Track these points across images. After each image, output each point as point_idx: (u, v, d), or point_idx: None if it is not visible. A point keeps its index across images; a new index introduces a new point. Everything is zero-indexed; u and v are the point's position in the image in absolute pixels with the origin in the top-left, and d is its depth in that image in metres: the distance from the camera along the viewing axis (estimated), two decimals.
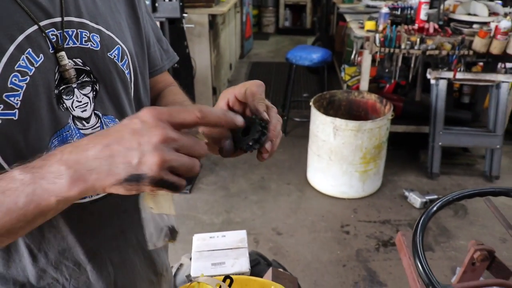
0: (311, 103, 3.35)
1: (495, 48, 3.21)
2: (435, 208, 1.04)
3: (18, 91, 0.69)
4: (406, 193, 3.35)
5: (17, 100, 0.69)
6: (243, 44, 6.82)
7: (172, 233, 0.78)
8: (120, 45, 0.85)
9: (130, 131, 0.57)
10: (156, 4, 2.74)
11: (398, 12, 3.85)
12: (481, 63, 4.00)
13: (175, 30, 2.95)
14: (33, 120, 0.72)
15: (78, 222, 0.84)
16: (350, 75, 4.62)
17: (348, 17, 4.19)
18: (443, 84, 3.45)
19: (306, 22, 8.39)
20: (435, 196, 3.33)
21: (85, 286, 0.88)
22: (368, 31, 3.51)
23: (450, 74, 3.43)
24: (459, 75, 3.43)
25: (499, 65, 3.79)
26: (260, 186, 3.51)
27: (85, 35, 0.79)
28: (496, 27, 3.16)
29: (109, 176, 0.57)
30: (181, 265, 1.86)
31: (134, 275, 0.97)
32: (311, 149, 3.42)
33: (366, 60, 3.51)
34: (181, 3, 2.80)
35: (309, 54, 4.19)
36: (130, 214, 0.93)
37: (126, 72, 0.87)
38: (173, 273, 1.87)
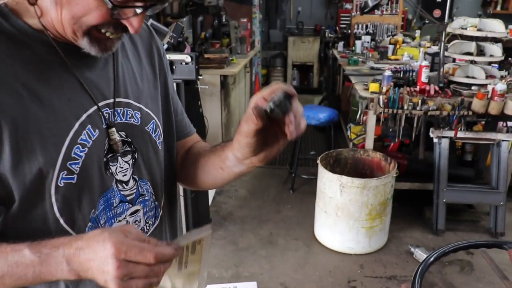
0: (318, 161, 3.48)
1: (493, 109, 3.36)
2: (432, 259, 1.15)
3: (78, 160, 0.85)
4: (412, 249, 3.41)
5: (77, 167, 0.85)
6: None
7: None
8: (155, 120, 1.02)
9: (100, 261, 0.73)
10: (174, 67, 2.95)
11: (401, 75, 4.05)
12: (482, 122, 4.16)
13: (190, 91, 3.14)
14: (87, 184, 0.88)
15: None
16: (356, 134, 4.78)
17: (353, 79, 4.40)
18: (445, 142, 3.59)
19: (313, 81, 8.68)
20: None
21: None
22: (372, 92, 3.69)
23: (451, 133, 3.57)
24: (460, 134, 3.57)
25: (501, 123, 3.94)
26: (269, 241, 3.59)
27: (129, 112, 0.96)
28: (493, 89, 3.34)
29: (93, 279, 0.75)
30: None
31: None
32: (318, 206, 3.53)
33: (371, 120, 3.67)
34: (197, 66, 3.01)
35: (316, 114, 4.37)
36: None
37: (158, 142, 1.04)
38: None
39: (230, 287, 1.77)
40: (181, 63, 3.05)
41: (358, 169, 3.73)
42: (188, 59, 3.08)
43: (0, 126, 0.77)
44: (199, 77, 3.29)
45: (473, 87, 3.58)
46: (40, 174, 0.81)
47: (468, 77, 3.67)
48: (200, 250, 0.87)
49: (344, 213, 3.29)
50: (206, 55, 4.68)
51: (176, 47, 3.36)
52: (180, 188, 2.96)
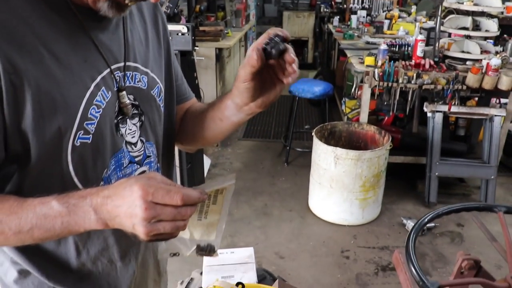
0: (313, 133, 3.51)
1: (487, 83, 3.39)
2: (426, 220, 1.18)
3: (94, 120, 0.88)
4: (404, 221, 3.47)
5: (92, 127, 0.88)
6: None
7: (203, 250, 0.93)
8: (159, 85, 1.05)
9: (128, 205, 0.73)
10: (170, 38, 2.94)
11: (396, 49, 4.05)
12: (475, 98, 4.19)
13: (186, 62, 3.14)
14: (100, 144, 0.91)
15: (117, 230, 1.00)
16: (351, 108, 4.81)
17: (348, 53, 4.40)
18: (439, 117, 3.62)
19: (308, 57, 8.65)
20: (433, 224, 3.45)
21: (113, 280, 1.04)
22: (368, 66, 3.71)
23: (445, 108, 3.60)
24: (454, 109, 3.61)
25: (493, 100, 3.98)
26: (263, 212, 3.64)
27: (137, 76, 0.99)
28: (488, 64, 3.36)
29: (121, 227, 0.76)
30: (191, 279, 1.98)
31: (147, 273, 1.13)
32: (312, 178, 3.57)
33: (366, 94, 3.69)
34: (193, 37, 3.00)
35: (311, 87, 4.38)
36: None
37: (161, 106, 1.07)
38: (184, 287, 1.98)
39: (227, 252, 1.81)
40: (178, 34, 3.04)
41: (353, 142, 3.76)
42: (185, 29, 3.07)
43: (23, 85, 0.78)
44: (195, 48, 3.29)
45: (468, 62, 3.60)
46: (58, 133, 0.83)
47: (463, 52, 3.69)
48: (221, 201, 0.88)
49: (338, 184, 3.34)
50: (201, 28, 4.66)
51: (172, 19, 3.33)
52: (176, 159, 2.98)
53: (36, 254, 0.95)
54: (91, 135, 0.88)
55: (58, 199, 0.77)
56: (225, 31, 4.96)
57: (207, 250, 0.92)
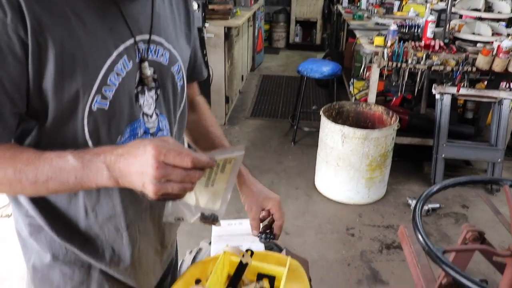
0: (321, 112, 3.52)
1: (497, 65, 3.38)
2: (434, 189, 1.21)
3: (112, 87, 0.90)
4: (410, 201, 3.50)
5: (110, 94, 0.90)
6: (254, 57, 7.03)
7: (207, 219, 0.96)
8: (180, 63, 1.07)
9: (140, 163, 0.76)
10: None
11: (406, 30, 4.03)
12: (485, 82, 4.18)
13: None
14: (117, 112, 0.93)
15: (127, 195, 1.04)
16: (359, 89, 4.81)
17: (358, 33, 4.39)
18: (447, 98, 3.62)
19: (316, 38, 8.61)
20: (437, 205, 3.48)
21: (118, 247, 1.08)
22: (377, 46, 3.70)
23: (454, 90, 3.60)
24: (462, 91, 3.60)
25: (503, 84, 3.97)
26: (270, 189, 3.66)
27: (160, 51, 1.01)
28: (499, 46, 3.34)
29: (131, 186, 0.79)
30: (200, 249, 2.02)
31: (149, 242, 1.16)
32: (319, 156, 3.59)
33: (374, 74, 3.69)
34: (203, 14, 3.00)
35: (320, 67, 4.38)
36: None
37: (179, 84, 1.09)
38: (193, 256, 2.03)
39: (235, 223, 1.84)
40: None
41: (360, 122, 3.77)
42: (195, 6, 3.07)
43: (48, 45, 0.80)
44: (205, 25, 3.29)
45: (478, 44, 3.59)
46: (76, 95, 0.85)
47: (474, 34, 3.67)
48: (229, 170, 0.90)
49: (345, 163, 3.36)
50: (210, 6, 4.64)
51: None
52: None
53: (48, 211, 1.00)
54: (108, 101, 0.90)
55: (74, 154, 0.80)
56: (234, 10, 4.94)
57: (211, 219, 0.94)
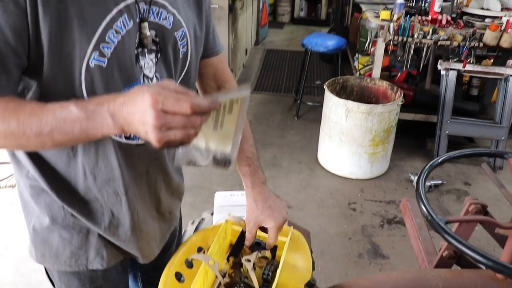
0: (325, 86, 3.50)
1: (505, 41, 3.33)
2: (439, 160, 1.20)
3: (111, 44, 0.89)
4: (412, 177, 3.50)
5: (108, 51, 0.89)
6: (258, 31, 6.96)
7: (219, 162, 0.94)
8: (185, 29, 1.05)
9: (140, 112, 0.73)
10: None
11: (413, 4, 3.98)
12: (491, 60, 4.13)
13: None
14: (116, 70, 0.92)
15: (124, 159, 1.04)
16: (363, 64, 4.76)
17: (364, 7, 4.32)
18: (452, 75, 3.58)
19: (321, 13, 8.49)
20: (440, 181, 3.48)
21: (118, 211, 1.08)
22: (383, 20, 3.65)
23: (460, 65, 3.55)
24: (468, 67, 3.56)
25: (510, 61, 3.91)
26: (273, 163, 3.68)
27: (163, 14, 0.99)
28: (507, 22, 3.29)
29: (136, 134, 0.77)
30: (202, 219, 2.04)
31: (146, 208, 1.17)
32: (322, 130, 3.58)
33: (380, 48, 3.64)
34: None
35: (325, 41, 4.33)
36: (158, 160, 1.15)
37: (181, 51, 1.07)
38: (195, 227, 2.04)
39: (238, 194, 1.84)
40: None
41: (364, 97, 3.74)
42: None
43: None
44: None
45: (486, 20, 3.53)
46: (73, 50, 0.85)
47: (482, 8, 3.61)
48: (237, 110, 0.86)
49: (348, 138, 3.35)
50: None
51: None
52: None
53: (48, 172, 1.01)
54: (106, 59, 0.89)
55: (77, 105, 0.78)
56: None
57: (223, 162, 0.92)
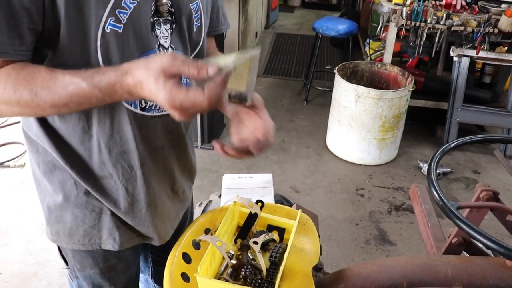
0: (335, 71, 3.46)
1: None
2: (452, 145, 1.18)
3: (127, 10, 0.89)
4: (421, 164, 3.47)
5: (124, 17, 0.89)
6: (269, 14, 6.89)
7: (235, 98, 0.93)
8: (198, 1, 1.04)
9: (160, 103, 0.79)
10: None
11: None
12: (505, 47, 4.05)
13: None
14: (131, 37, 0.92)
15: (139, 131, 1.03)
16: (374, 49, 4.70)
17: None
18: (465, 61, 3.53)
19: None
20: (449, 169, 3.45)
21: (132, 189, 1.08)
22: (396, 4, 3.59)
23: (473, 52, 3.50)
24: (482, 54, 3.50)
25: None
26: (281, 147, 3.66)
27: None
28: None
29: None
30: (210, 201, 2.04)
31: (161, 185, 1.16)
32: (332, 115, 3.56)
33: (392, 33, 3.60)
34: None
35: (336, 25, 4.28)
36: (173, 135, 1.14)
37: (195, 24, 1.06)
38: (202, 208, 2.04)
39: (246, 176, 1.84)
40: None
41: (374, 83, 3.71)
42: None
43: None
44: None
45: (503, 5, 3.47)
46: (89, 15, 0.85)
47: None
48: (248, 63, 0.88)
49: (357, 123, 3.33)
50: None
51: None
52: None
53: (62, 146, 1.01)
54: (122, 25, 0.89)
55: (87, 81, 0.81)
56: None
57: (238, 98, 0.92)
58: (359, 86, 3.22)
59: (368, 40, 4.95)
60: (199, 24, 1.07)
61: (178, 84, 0.77)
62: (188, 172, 1.29)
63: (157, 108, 1.04)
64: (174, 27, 1.00)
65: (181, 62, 0.77)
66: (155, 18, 0.95)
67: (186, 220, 1.43)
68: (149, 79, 0.77)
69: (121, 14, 0.88)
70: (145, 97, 0.80)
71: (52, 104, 0.83)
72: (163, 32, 0.98)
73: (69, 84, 0.81)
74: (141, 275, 1.48)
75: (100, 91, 0.81)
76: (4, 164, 3.27)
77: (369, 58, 4.61)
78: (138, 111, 1.01)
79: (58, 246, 1.22)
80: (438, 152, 1.13)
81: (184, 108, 0.77)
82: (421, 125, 4.08)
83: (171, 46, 1.01)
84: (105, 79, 0.80)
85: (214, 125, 3.57)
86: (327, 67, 5.35)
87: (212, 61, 0.80)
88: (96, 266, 1.19)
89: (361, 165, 3.48)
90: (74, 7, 0.83)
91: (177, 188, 1.25)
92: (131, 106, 0.99)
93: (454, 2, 3.47)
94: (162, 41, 0.98)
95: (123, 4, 0.88)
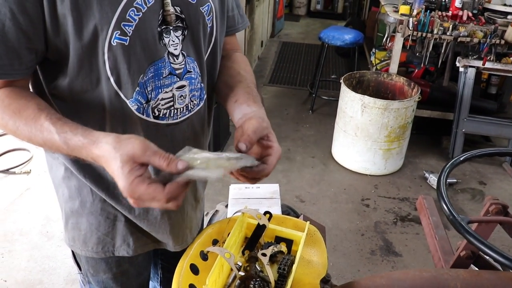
0: (341, 81, 3.46)
1: None
2: (461, 158, 1.18)
3: (132, 22, 0.89)
4: (426, 175, 3.46)
5: (130, 29, 0.89)
6: (274, 23, 6.91)
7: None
8: (210, 3, 1.03)
9: (118, 165, 0.77)
10: None
11: None
12: (511, 58, 4.05)
13: None
14: (138, 49, 0.91)
15: (154, 140, 1.02)
16: (380, 59, 4.71)
17: (382, 1, 4.27)
18: (471, 72, 3.52)
19: (338, 6, 8.40)
20: (454, 180, 3.44)
21: None
22: (402, 15, 3.60)
23: (479, 63, 3.50)
24: (488, 65, 3.50)
25: None
26: (286, 157, 3.66)
27: None
28: None
29: None
30: (216, 211, 2.04)
31: (186, 197, 1.15)
32: (337, 125, 3.55)
33: (398, 44, 3.60)
34: None
35: (342, 35, 4.29)
36: (190, 142, 1.11)
37: (209, 25, 1.05)
38: (209, 218, 2.04)
39: (253, 187, 1.84)
40: None
41: (380, 93, 3.70)
42: None
43: None
44: None
45: (509, 16, 3.46)
46: (95, 31, 0.85)
47: (505, 5, 3.54)
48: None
49: (363, 133, 3.32)
50: None
51: None
52: None
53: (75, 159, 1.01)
54: (128, 37, 0.89)
55: (60, 135, 0.83)
56: None
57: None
58: (365, 96, 3.22)
59: (373, 50, 4.96)
60: (211, 25, 1.06)
61: (141, 177, 0.77)
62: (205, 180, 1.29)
63: (172, 115, 1.04)
64: (186, 33, 1.00)
65: (152, 153, 0.77)
66: (163, 27, 0.94)
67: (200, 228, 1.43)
68: (115, 160, 0.77)
69: (126, 27, 0.88)
70: (107, 171, 0.81)
71: (28, 140, 0.88)
72: (173, 40, 0.97)
73: (45, 131, 0.84)
74: None
75: (68, 148, 0.83)
76: (10, 170, 3.28)
77: (374, 68, 4.62)
78: (151, 119, 1.01)
79: (72, 251, 1.22)
80: (448, 165, 1.13)
81: (141, 200, 0.77)
82: (426, 136, 4.07)
83: (182, 53, 1.00)
84: (74, 141, 0.82)
85: (220, 133, 3.58)
86: (333, 76, 5.35)
87: (186, 156, 0.79)
88: (109, 271, 1.20)
89: (367, 175, 3.47)
90: (79, 24, 0.84)
91: (199, 197, 1.25)
92: (143, 115, 0.99)
93: (460, 13, 3.48)
94: (171, 49, 0.97)
95: (127, 17, 0.88)
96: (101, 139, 0.79)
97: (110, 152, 0.77)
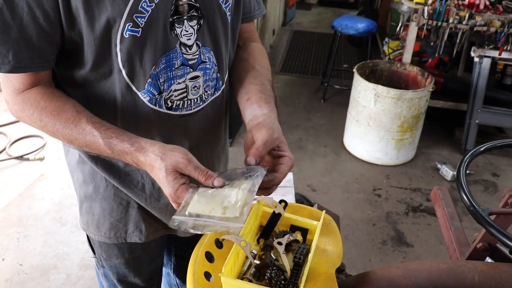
0: (354, 70, 3.44)
1: None
2: (482, 149, 1.16)
3: (144, 14, 0.88)
4: (439, 166, 3.44)
5: (142, 21, 0.88)
6: (286, 11, 6.86)
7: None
8: None
9: (163, 174, 0.83)
10: None
11: None
12: None
13: None
14: (150, 40, 0.91)
15: (166, 130, 1.02)
16: (393, 49, 4.66)
17: None
18: (486, 62, 3.48)
19: None
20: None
21: (157, 187, 1.07)
22: (417, 3, 3.55)
23: (495, 53, 3.44)
24: (504, 55, 3.44)
25: None
26: (298, 146, 3.65)
27: None
28: None
29: None
30: None
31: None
32: (350, 114, 3.53)
33: (412, 33, 3.56)
34: None
35: (355, 24, 4.25)
36: (206, 132, 1.11)
37: (228, 14, 1.03)
38: None
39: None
40: None
41: (393, 82, 3.67)
42: None
43: None
44: None
45: None
46: (107, 23, 0.85)
47: None
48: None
49: (376, 123, 3.30)
50: None
51: None
52: None
53: None
54: (140, 29, 0.88)
55: (104, 141, 0.87)
56: None
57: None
58: (379, 85, 3.20)
59: (386, 39, 4.90)
60: (230, 14, 1.04)
61: (185, 185, 0.82)
62: (224, 168, 1.29)
63: (186, 106, 1.03)
64: (202, 22, 0.98)
65: (193, 168, 0.82)
66: (175, 18, 0.93)
67: None
68: (160, 170, 0.82)
69: (139, 19, 0.88)
70: (151, 176, 0.87)
71: (68, 141, 0.91)
72: (186, 30, 0.96)
73: (88, 134, 0.87)
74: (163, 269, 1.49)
75: (112, 153, 0.87)
76: (24, 157, 3.31)
77: (387, 57, 4.57)
78: (163, 110, 1.00)
79: (87, 235, 1.23)
80: (468, 156, 1.11)
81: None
82: (439, 126, 4.03)
83: (196, 43, 0.98)
84: (120, 146, 0.86)
85: (231, 121, 3.57)
86: (345, 65, 5.32)
87: (224, 175, 0.87)
88: (121, 257, 1.20)
89: (379, 165, 3.46)
90: (91, 17, 0.84)
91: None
92: (156, 106, 0.99)
93: (477, 2, 3.42)
94: (184, 40, 0.96)
95: (140, 9, 0.87)
96: (148, 148, 0.84)
97: (156, 161, 0.83)
